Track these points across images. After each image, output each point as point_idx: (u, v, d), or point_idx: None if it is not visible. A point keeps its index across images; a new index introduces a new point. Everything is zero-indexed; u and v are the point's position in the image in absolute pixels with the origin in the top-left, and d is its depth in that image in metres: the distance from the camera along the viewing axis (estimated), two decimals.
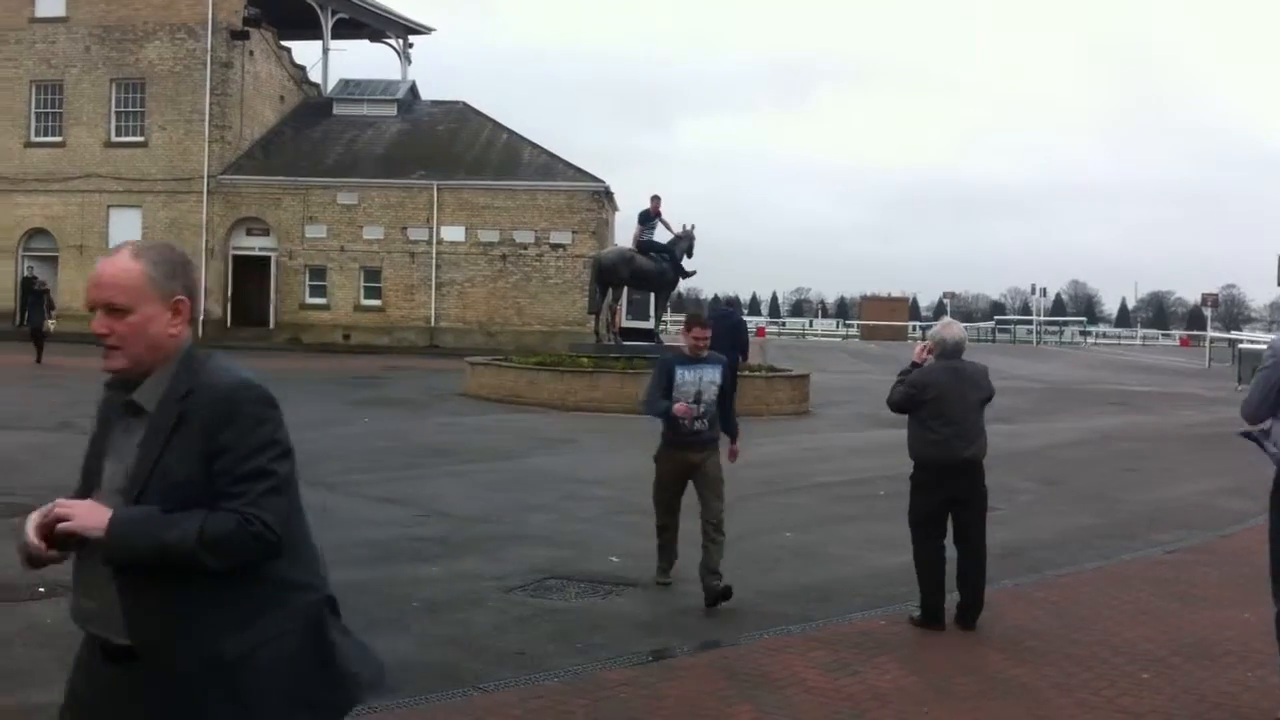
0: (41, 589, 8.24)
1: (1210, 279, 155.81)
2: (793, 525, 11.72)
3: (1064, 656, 7.37)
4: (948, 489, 7.98)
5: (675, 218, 27.13)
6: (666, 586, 8.94)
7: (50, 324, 32.48)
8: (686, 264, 27.16)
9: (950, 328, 8.49)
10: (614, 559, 9.90)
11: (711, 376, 8.73)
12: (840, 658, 7.18)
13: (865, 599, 8.83)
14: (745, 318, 33.43)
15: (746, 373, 24.01)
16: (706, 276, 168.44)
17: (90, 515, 2.87)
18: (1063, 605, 8.71)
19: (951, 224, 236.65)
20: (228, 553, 2.88)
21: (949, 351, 8.18)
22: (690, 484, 8.83)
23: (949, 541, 8.12)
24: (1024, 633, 7.92)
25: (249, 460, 2.94)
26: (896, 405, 8.27)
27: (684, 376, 8.65)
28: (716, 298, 35.14)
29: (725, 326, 23.90)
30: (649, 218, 26.72)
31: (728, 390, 8.93)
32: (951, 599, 8.06)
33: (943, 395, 7.98)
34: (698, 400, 8.59)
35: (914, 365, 8.33)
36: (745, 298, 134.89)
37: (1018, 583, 9.40)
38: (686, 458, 8.71)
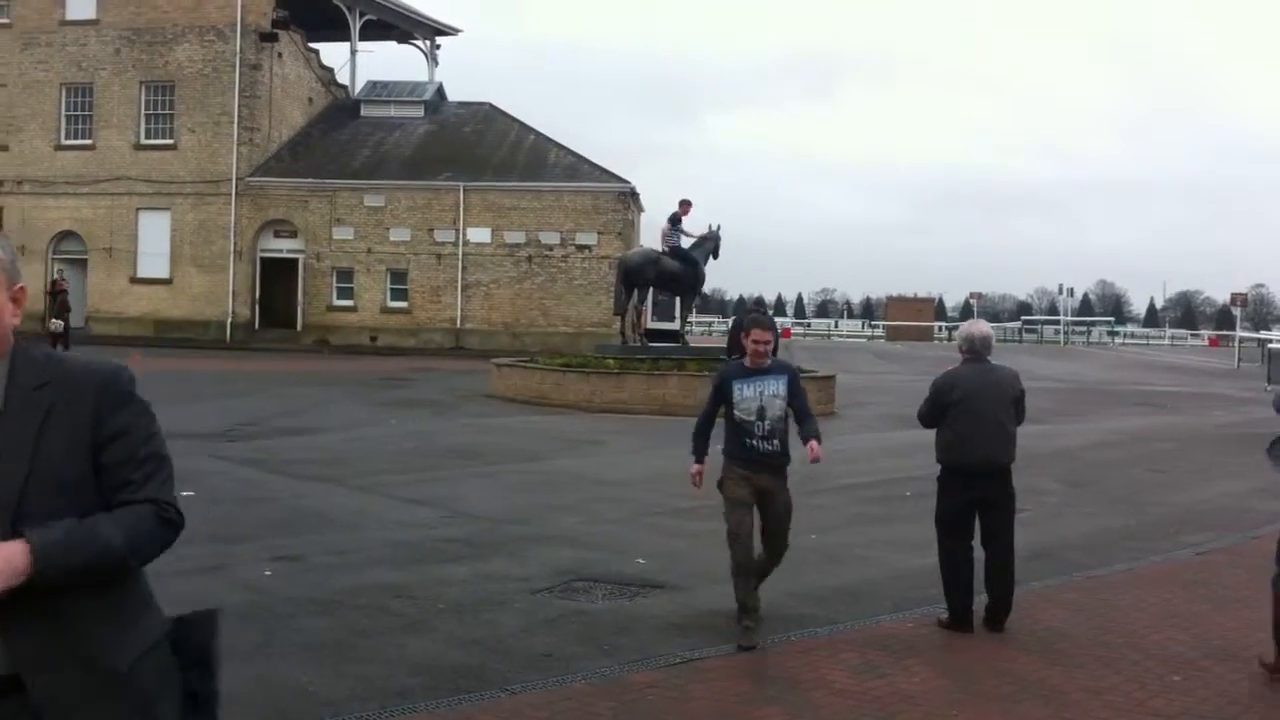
0: None
1: (1239, 278, 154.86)
2: (818, 527, 11.66)
3: (1094, 659, 7.33)
4: (975, 490, 7.95)
5: (701, 215, 27.15)
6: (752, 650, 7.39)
7: (54, 324, 32.48)
8: (710, 265, 27.15)
9: (977, 324, 8.53)
10: (641, 561, 9.89)
11: (775, 389, 7.66)
12: (868, 660, 7.16)
13: (892, 601, 8.79)
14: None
15: None
16: (732, 276, 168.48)
17: (4, 561, 2.49)
18: (1092, 607, 8.66)
19: (978, 222, 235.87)
20: (149, 549, 2.73)
21: (976, 348, 8.16)
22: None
23: (977, 543, 8.09)
24: (1053, 635, 7.88)
25: (147, 444, 2.76)
26: (925, 418, 8.24)
27: (743, 392, 7.64)
28: (743, 299, 35.24)
29: None
30: (677, 221, 26.66)
31: (799, 404, 7.76)
32: (979, 601, 8.03)
33: (969, 396, 7.95)
34: (761, 417, 7.59)
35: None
36: (770, 298, 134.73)
37: (1046, 584, 9.35)
38: (757, 481, 7.64)
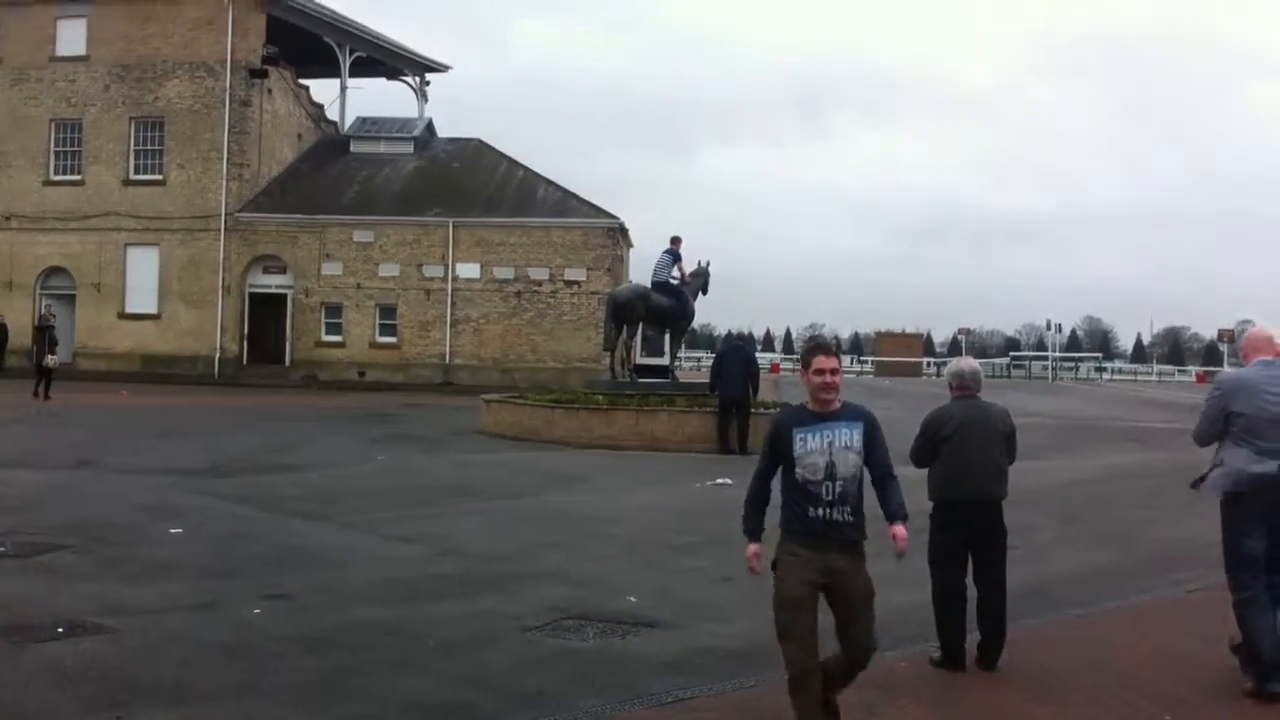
0: (60, 629, 8.25)
1: (1225, 313, 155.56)
2: None
3: (1087, 697, 7.32)
4: (968, 527, 7.95)
5: (689, 250, 26.97)
6: None
7: (51, 359, 32.31)
8: (699, 301, 27.17)
9: (965, 360, 8.65)
10: (632, 599, 9.85)
11: (847, 439, 6.02)
12: (862, 698, 7.13)
13: (885, 639, 8.71)
14: (759, 354, 33.39)
15: (760, 409, 24.00)
16: (720, 312, 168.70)
17: None
18: (1084, 644, 8.65)
19: (966, 255, 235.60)
20: None
21: (967, 382, 8.19)
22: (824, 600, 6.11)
23: (969, 581, 8.07)
24: (1046, 673, 7.86)
25: None
26: (917, 455, 8.22)
27: (807, 443, 5.99)
28: (730, 334, 35.22)
29: (739, 360, 23.95)
30: (678, 257, 26.60)
31: (878, 461, 6.15)
32: (971, 639, 8.01)
33: (962, 431, 7.96)
34: (830, 476, 5.96)
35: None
36: (759, 334, 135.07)
37: (1038, 622, 9.33)
38: (822, 561, 5.98)
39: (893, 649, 8.40)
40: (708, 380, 25.44)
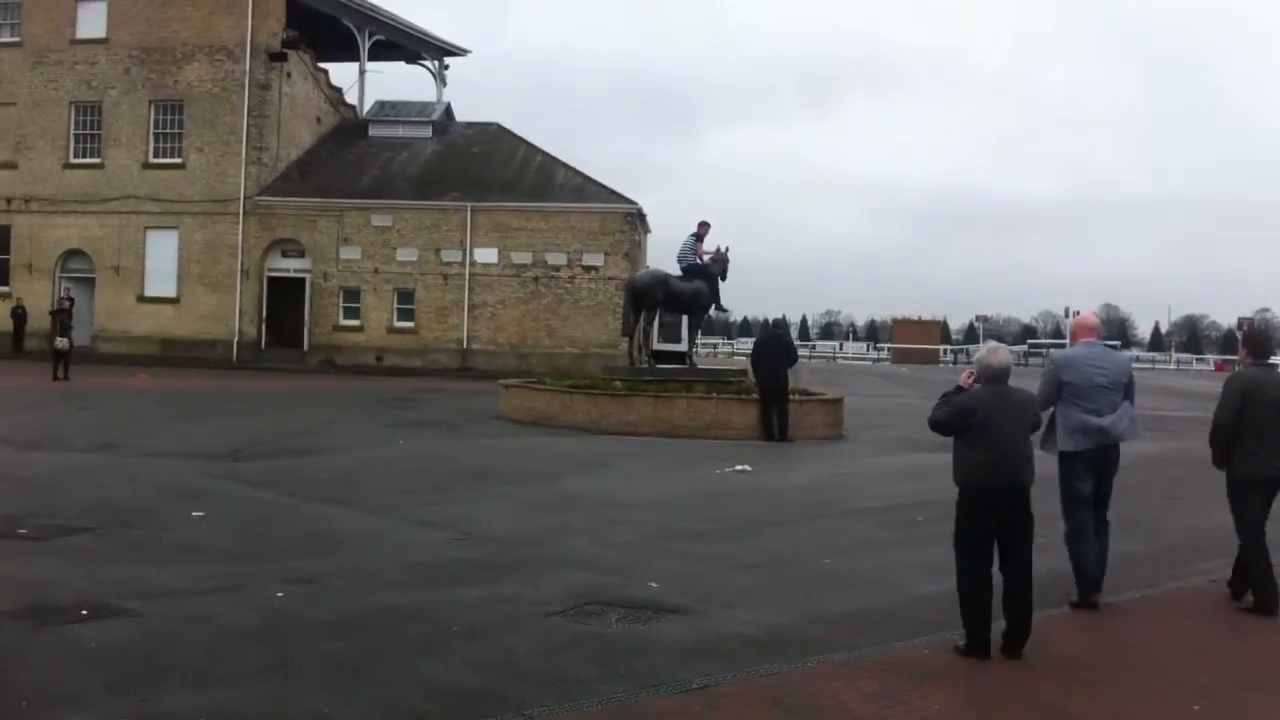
0: (85, 611, 8.26)
1: (1242, 302, 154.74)
2: (832, 551, 11.62)
3: (1114, 687, 7.27)
4: (995, 514, 7.88)
5: (708, 235, 26.95)
6: None
7: (61, 342, 32.62)
8: (720, 288, 27.10)
9: (996, 353, 8.34)
10: (654, 585, 9.82)
11: None
12: (887, 686, 7.10)
13: (909, 627, 8.71)
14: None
15: (793, 396, 24.06)
16: (735, 298, 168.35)
17: None
18: (1110, 633, 8.61)
19: (983, 242, 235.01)
20: None
21: (994, 376, 8.10)
22: None
23: (994, 569, 8.01)
24: (1073, 662, 7.81)
25: None
26: (939, 424, 8.16)
27: None
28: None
29: (777, 348, 24.01)
30: (701, 239, 26.61)
31: None
32: (997, 627, 7.95)
33: (988, 419, 7.89)
34: None
35: (958, 389, 8.22)
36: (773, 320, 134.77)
37: (1064, 610, 9.28)
38: None
39: (917, 636, 8.38)
40: (729, 367, 25.42)
